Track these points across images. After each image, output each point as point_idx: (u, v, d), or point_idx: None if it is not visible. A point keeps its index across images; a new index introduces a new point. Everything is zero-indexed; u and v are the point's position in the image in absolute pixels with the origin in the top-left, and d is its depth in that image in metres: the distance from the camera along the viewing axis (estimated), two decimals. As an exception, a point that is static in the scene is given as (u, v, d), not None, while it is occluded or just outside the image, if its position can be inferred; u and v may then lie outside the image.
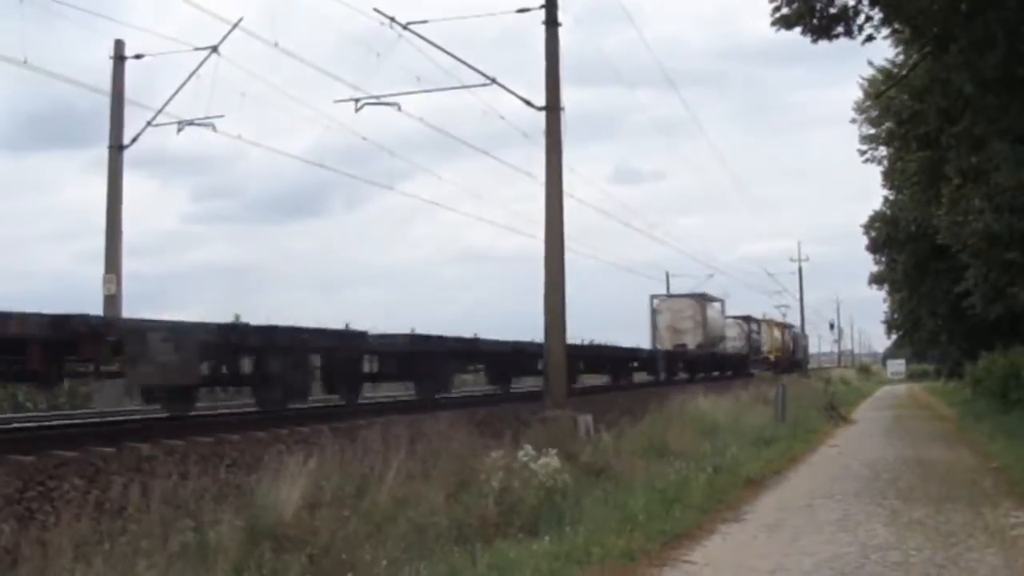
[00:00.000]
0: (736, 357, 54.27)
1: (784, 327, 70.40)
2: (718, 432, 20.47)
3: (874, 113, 27.29)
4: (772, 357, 61.86)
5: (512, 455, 11.33)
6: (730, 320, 57.01)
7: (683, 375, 43.18)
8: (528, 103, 19.95)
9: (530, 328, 23.52)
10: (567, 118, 19.60)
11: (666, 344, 46.01)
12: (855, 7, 16.85)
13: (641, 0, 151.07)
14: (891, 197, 37.65)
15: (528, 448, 11.51)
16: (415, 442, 12.69)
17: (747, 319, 59.80)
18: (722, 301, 55.12)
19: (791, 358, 68.99)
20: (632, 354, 38.30)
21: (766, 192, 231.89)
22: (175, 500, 8.89)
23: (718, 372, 48.34)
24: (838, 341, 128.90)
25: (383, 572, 7.59)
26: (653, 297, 51.18)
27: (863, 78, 27.69)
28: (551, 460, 11.36)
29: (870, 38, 17.52)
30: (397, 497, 10.21)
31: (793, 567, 8.94)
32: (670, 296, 52.11)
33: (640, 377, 39.85)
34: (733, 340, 56.05)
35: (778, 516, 11.89)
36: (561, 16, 19.63)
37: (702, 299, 50.19)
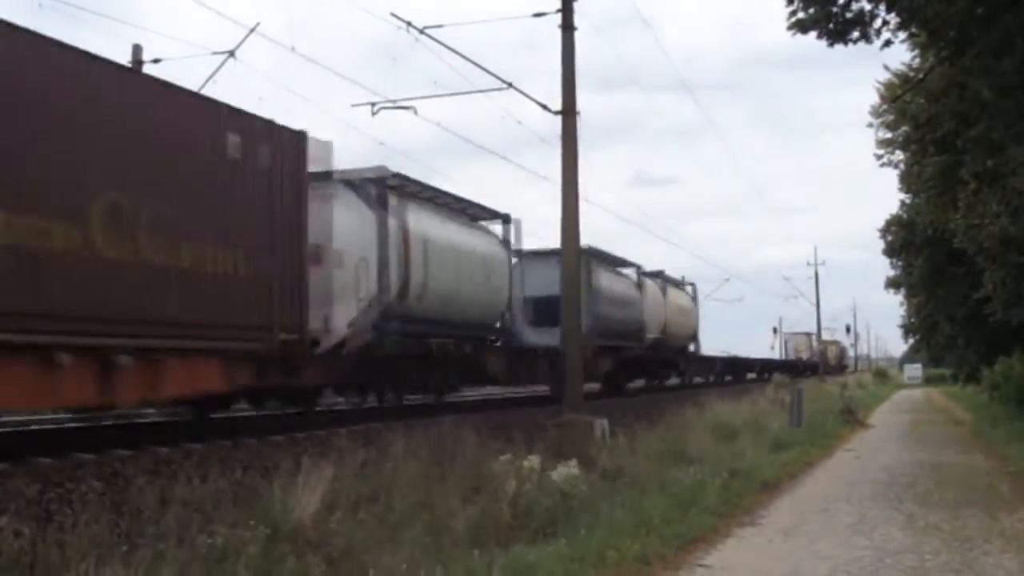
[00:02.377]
0: (811, 363, 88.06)
1: (836, 343, 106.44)
2: (735, 436, 20.45)
3: (890, 117, 27.18)
4: (833, 362, 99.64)
5: (524, 459, 11.37)
6: (816, 342, 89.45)
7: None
8: (544, 107, 19.96)
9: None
10: (583, 123, 19.66)
11: (791, 357, 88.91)
12: (871, 11, 16.79)
13: (659, 6, 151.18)
14: (908, 201, 37.51)
15: (534, 458, 11.52)
16: (432, 446, 12.75)
17: (823, 341, 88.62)
18: (815, 334, 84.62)
19: (841, 363, 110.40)
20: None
21: (783, 197, 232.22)
22: (193, 503, 8.96)
23: (810, 371, 75.79)
24: (854, 345, 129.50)
25: (401, 575, 7.62)
26: (784, 333, 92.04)
27: (879, 82, 27.63)
28: (570, 469, 11.39)
29: (887, 43, 17.46)
30: (414, 500, 10.26)
31: (808, 571, 8.94)
32: (794, 333, 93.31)
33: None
34: (818, 354, 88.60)
35: (794, 520, 11.87)
36: (579, 22, 19.63)
37: (809, 335, 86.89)
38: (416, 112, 21.53)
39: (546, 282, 26.33)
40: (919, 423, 32.86)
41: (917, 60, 23.11)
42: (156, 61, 25.46)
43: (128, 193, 12.10)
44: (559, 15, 19.55)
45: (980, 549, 9.83)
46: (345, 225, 17.98)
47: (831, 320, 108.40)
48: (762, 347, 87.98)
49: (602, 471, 13.50)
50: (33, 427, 16.25)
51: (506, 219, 25.71)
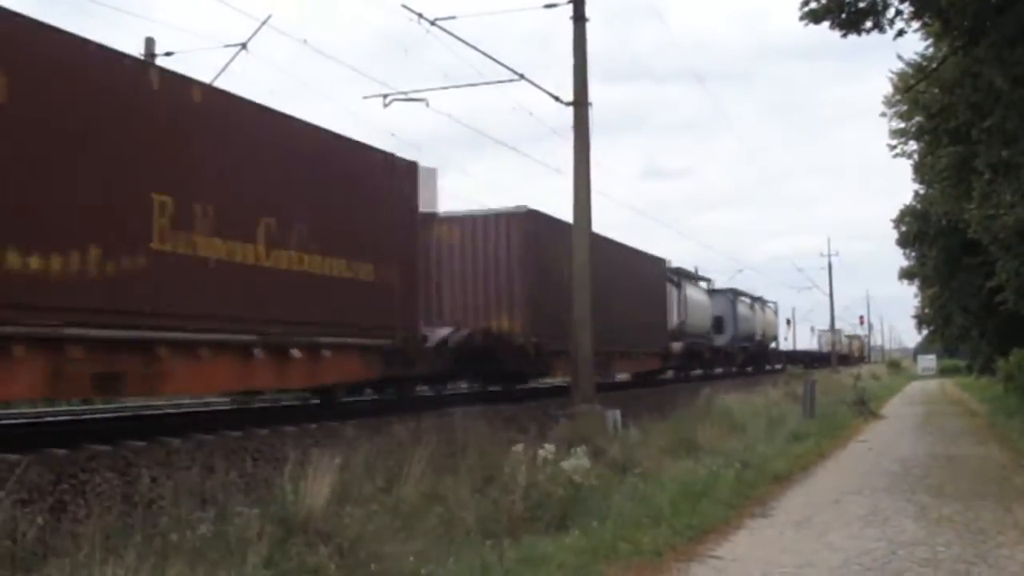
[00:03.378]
0: (846, 355, 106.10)
1: (858, 337, 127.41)
2: (747, 428, 20.43)
3: (903, 107, 26.99)
4: (856, 354, 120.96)
5: (536, 451, 11.36)
6: (844, 338, 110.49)
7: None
8: (556, 98, 19.99)
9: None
10: (595, 114, 19.77)
11: (824, 350, 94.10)
12: (884, 0, 16.72)
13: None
14: (921, 191, 37.31)
15: (549, 447, 11.51)
16: (444, 437, 12.76)
17: (848, 336, 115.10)
18: (842, 331, 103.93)
19: (862, 354, 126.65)
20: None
21: (795, 188, 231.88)
22: (202, 493, 8.98)
23: (837, 362, 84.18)
24: (868, 336, 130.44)
25: (411, 566, 7.63)
26: (818, 329, 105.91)
27: (893, 72, 27.44)
28: (581, 461, 11.38)
29: (900, 32, 17.35)
30: (425, 491, 10.27)
31: (820, 562, 8.93)
32: (825, 330, 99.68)
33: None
34: (844, 347, 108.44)
35: (806, 512, 11.86)
36: (590, 13, 19.66)
37: (838, 331, 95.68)
38: (428, 104, 21.65)
39: (719, 307, 48.57)
40: (933, 414, 32.79)
41: (931, 50, 22.96)
42: (169, 54, 25.56)
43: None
44: (570, 6, 19.60)
45: (993, 541, 9.81)
46: (669, 297, 36.77)
47: (843, 311, 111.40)
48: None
49: (613, 462, 13.49)
50: (47, 419, 16.31)
51: (708, 280, 50.24)
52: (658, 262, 35.45)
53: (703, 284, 47.54)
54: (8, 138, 10.08)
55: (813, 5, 16.62)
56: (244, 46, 23.94)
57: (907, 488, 13.81)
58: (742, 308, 52.69)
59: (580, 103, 19.62)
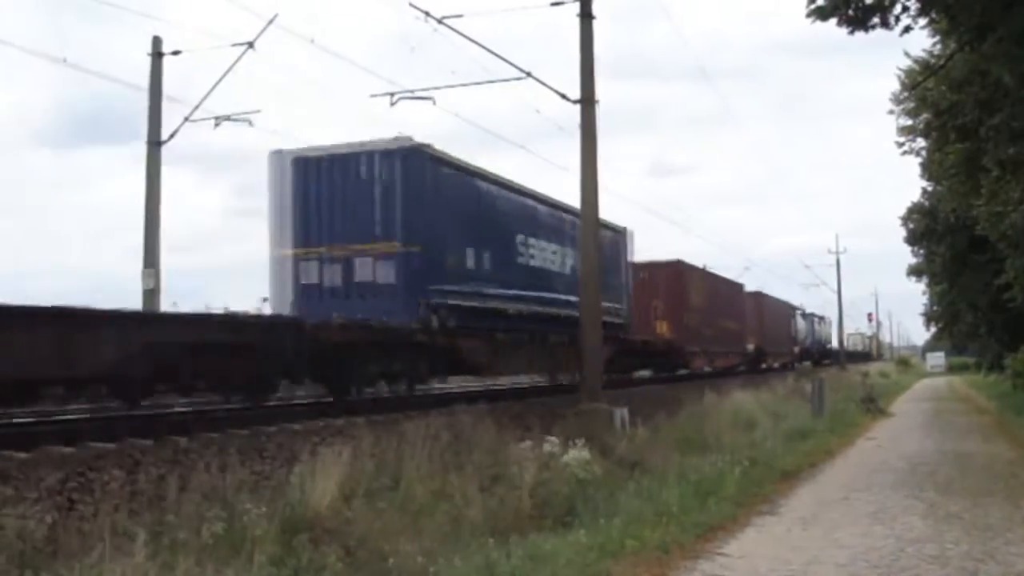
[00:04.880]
0: (864, 352, 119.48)
1: (873, 336, 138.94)
2: (755, 425, 20.41)
3: (911, 104, 26.92)
4: (873, 352, 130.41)
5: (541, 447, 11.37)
6: (867, 338, 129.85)
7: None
8: (563, 96, 19.96)
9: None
10: (602, 111, 19.86)
11: (849, 348, 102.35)
12: (891, -3, 16.63)
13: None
14: (929, 189, 37.21)
15: (552, 439, 11.52)
16: (450, 434, 12.76)
17: (865, 336, 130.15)
18: (864, 332, 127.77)
19: (879, 352, 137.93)
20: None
21: (803, 185, 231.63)
22: (212, 492, 8.99)
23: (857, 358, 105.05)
24: (876, 333, 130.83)
25: (419, 563, 7.64)
26: (848, 333, 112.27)
27: (900, 69, 27.36)
28: (581, 452, 11.38)
29: (907, 29, 17.27)
30: (432, 489, 10.27)
31: (828, 559, 8.92)
32: (851, 333, 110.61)
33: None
34: (864, 347, 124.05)
35: (814, 509, 11.86)
36: (598, 11, 19.64)
37: (862, 333, 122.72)
38: (435, 102, 21.63)
39: (808, 325, 74.43)
40: (941, 412, 32.75)
41: (938, 47, 22.87)
42: (176, 53, 25.59)
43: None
44: (577, 4, 19.53)
45: (1002, 538, 9.78)
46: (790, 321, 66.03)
47: (850, 307, 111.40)
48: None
49: (620, 459, 13.49)
50: (55, 418, 16.33)
51: (802, 308, 73.83)
52: (788, 304, 64.51)
53: (798, 310, 69.83)
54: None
55: (820, 2, 16.50)
56: (251, 45, 23.96)
57: (915, 485, 13.79)
58: (815, 324, 79.03)
59: (587, 101, 19.60)
